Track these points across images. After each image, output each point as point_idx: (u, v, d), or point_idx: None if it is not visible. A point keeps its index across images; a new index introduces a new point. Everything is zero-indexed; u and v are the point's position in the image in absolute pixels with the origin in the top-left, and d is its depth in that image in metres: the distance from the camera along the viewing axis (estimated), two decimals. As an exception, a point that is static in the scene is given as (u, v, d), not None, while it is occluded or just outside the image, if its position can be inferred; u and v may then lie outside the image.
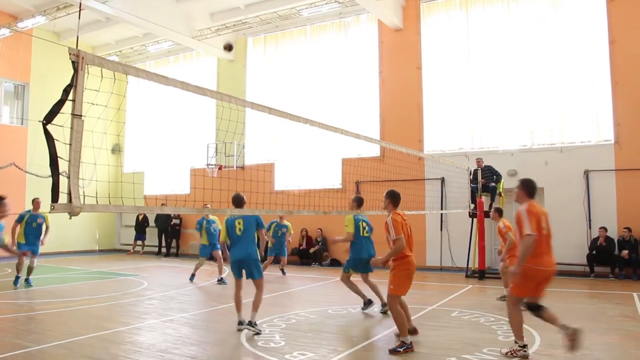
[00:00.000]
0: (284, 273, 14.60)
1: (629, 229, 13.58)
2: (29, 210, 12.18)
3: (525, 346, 6.02)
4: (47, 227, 12.24)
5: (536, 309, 5.99)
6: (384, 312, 8.75)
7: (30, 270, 12.07)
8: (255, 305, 7.51)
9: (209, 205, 11.36)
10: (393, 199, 7.00)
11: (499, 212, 10.69)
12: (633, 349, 6.51)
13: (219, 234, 12.48)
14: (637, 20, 14.30)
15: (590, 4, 15.00)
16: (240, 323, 7.53)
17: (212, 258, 13.77)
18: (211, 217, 13.32)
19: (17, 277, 11.91)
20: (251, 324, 7.33)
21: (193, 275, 13.32)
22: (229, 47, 13.74)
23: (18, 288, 11.64)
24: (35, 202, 12.19)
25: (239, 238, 7.57)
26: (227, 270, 13.21)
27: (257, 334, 7.22)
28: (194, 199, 9.52)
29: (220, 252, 13.14)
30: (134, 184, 19.97)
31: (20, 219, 11.92)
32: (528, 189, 6.58)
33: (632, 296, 10.51)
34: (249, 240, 7.59)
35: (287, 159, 19.43)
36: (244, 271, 7.62)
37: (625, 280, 13.05)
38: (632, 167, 13.98)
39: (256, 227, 7.68)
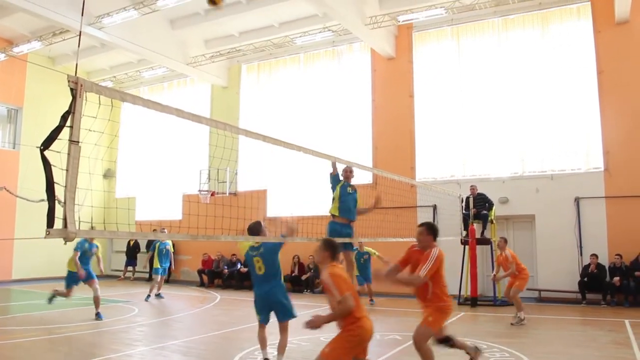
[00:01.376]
0: (372, 302, 13.93)
1: (620, 256, 13.66)
2: (86, 240, 11.20)
3: None
4: (98, 257, 11.83)
5: (447, 341, 6.24)
6: None
7: (97, 301, 11.09)
8: (281, 349, 6.77)
9: (165, 230, 12.07)
10: (332, 249, 5.17)
11: (506, 242, 11.59)
12: (625, 377, 6.51)
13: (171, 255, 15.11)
14: (623, 50, 14.60)
15: (578, 35, 15.32)
16: None
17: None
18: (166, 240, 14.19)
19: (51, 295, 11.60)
20: None
21: (148, 296, 14.82)
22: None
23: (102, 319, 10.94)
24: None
25: (257, 277, 6.76)
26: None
27: None
28: (187, 225, 9.52)
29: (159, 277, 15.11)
30: (128, 209, 19.90)
31: (80, 247, 11.09)
32: (433, 232, 6.51)
33: (623, 323, 10.52)
34: (269, 280, 6.72)
35: (279, 186, 19.45)
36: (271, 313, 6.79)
37: (616, 307, 13.07)
38: (622, 194, 14.13)
39: (274, 262, 6.77)
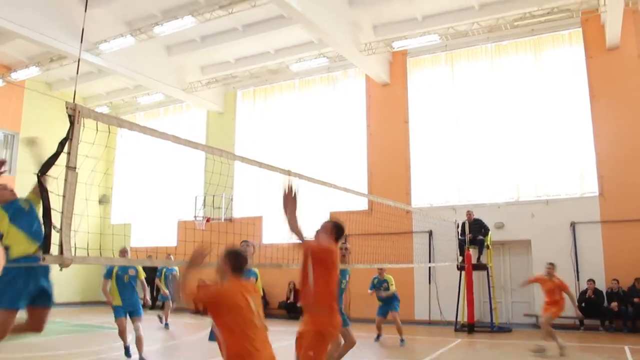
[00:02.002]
0: (402, 341, 11.65)
1: (617, 281, 13.63)
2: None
3: None
4: (142, 282, 10.14)
5: None
6: None
7: (140, 342, 9.13)
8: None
9: (172, 257, 11.47)
10: (234, 260, 4.23)
11: (554, 267, 10.83)
12: (625, 404, 6.44)
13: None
14: (614, 75, 14.80)
15: (570, 61, 15.55)
16: None
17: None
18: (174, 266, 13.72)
19: (127, 348, 9.50)
20: None
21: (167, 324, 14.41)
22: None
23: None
24: (122, 252, 9.48)
25: None
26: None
27: None
28: (183, 251, 9.45)
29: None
30: (124, 235, 19.81)
31: (109, 274, 9.56)
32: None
33: (623, 349, 10.45)
34: None
35: (275, 212, 19.34)
36: None
37: (615, 333, 13.00)
38: (617, 218, 14.15)
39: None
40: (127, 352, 9.32)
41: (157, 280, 15.49)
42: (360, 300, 12.55)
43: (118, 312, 9.17)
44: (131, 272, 9.61)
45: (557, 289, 10.48)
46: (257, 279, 7.70)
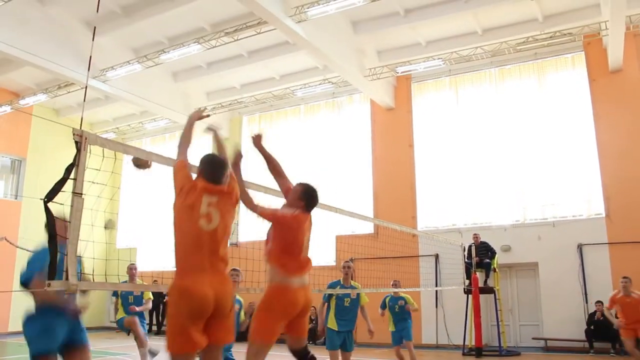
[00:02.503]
0: None
1: (626, 304, 13.47)
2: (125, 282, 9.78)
3: None
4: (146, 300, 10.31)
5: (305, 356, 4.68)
6: None
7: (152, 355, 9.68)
8: None
9: None
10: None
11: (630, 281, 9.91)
12: None
13: None
14: (618, 97, 14.84)
15: (574, 83, 15.61)
16: None
17: None
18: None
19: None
20: None
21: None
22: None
23: None
24: (131, 270, 9.91)
25: None
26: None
27: None
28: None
29: None
30: (129, 260, 19.76)
31: (115, 293, 10.06)
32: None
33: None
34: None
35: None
36: None
37: (626, 357, 12.79)
38: (624, 240, 14.05)
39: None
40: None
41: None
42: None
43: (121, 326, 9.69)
44: (136, 292, 9.92)
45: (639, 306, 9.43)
46: (240, 307, 7.65)
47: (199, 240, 3.61)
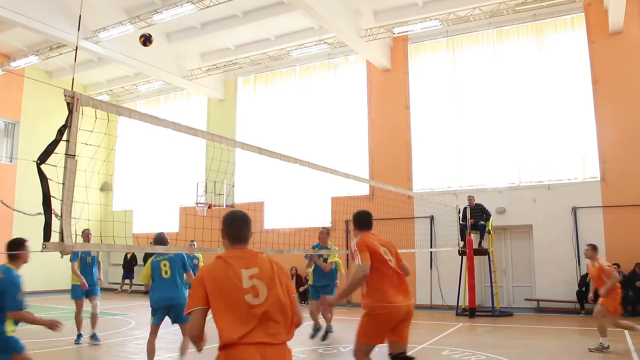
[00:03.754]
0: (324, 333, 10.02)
1: (618, 265, 13.62)
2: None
3: None
4: (99, 262, 10.67)
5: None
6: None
7: (94, 319, 10.06)
8: (183, 350, 7.35)
9: (195, 243, 11.40)
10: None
11: (595, 249, 9.20)
12: (624, 387, 6.50)
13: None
14: (617, 60, 14.71)
15: (573, 45, 15.44)
16: None
17: None
18: (195, 253, 13.55)
19: (79, 335, 9.94)
20: None
21: None
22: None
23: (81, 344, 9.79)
24: (86, 234, 9.86)
25: (163, 281, 7.18)
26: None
27: None
28: (184, 237, 9.50)
29: None
30: (125, 222, 19.88)
31: (75, 257, 9.93)
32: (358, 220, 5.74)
33: (623, 333, 10.48)
34: (176, 284, 7.21)
35: (276, 198, 19.45)
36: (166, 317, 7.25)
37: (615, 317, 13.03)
38: (618, 203, 14.15)
39: (183, 269, 7.37)
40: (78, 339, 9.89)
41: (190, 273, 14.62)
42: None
43: (77, 293, 10.09)
44: (93, 253, 10.31)
45: (604, 274, 8.95)
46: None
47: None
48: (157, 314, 7.18)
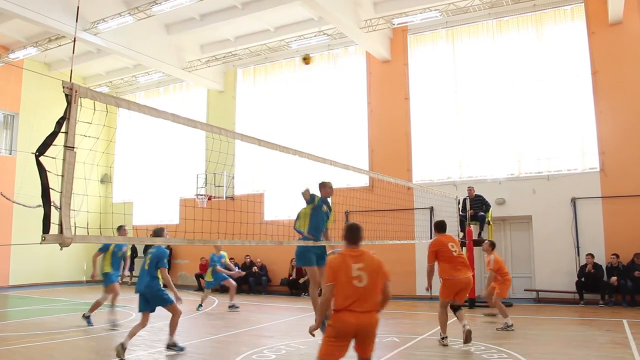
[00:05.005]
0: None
1: (617, 255, 13.69)
2: None
3: (445, 337, 8.61)
4: (126, 258, 11.50)
5: (457, 309, 8.77)
6: None
7: (97, 305, 11.19)
8: (171, 328, 8.35)
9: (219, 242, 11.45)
10: (347, 234, 5.05)
11: (492, 245, 11.25)
12: (623, 377, 6.54)
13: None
14: (616, 51, 14.67)
15: (573, 36, 15.40)
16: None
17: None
18: (222, 252, 13.94)
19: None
20: (169, 346, 8.29)
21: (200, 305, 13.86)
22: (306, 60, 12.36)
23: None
24: (123, 231, 11.01)
25: (142, 272, 8.38)
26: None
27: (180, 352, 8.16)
28: (184, 229, 9.52)
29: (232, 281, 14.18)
30: (124, 214, 19.90)
31: (104, 248, 11.00)
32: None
33: (621, 323, 10.54)
34: (151, 275, 8.28)
35: (276, 189, 19.46)
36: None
37: (614, 307, 13.10)
38: (618, 194, 14.17)
39: (158, 265, 8.29)
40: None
41: (225, 261, 14.47)
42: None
43: (112, 279, 11.04)
44: (124, 249, 11.22)
45: (488, 267, 11.30)
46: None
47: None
48: (139, 301, 8.34)
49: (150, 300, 8.30)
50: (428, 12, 15.61)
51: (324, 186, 8.85)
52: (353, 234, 4.95)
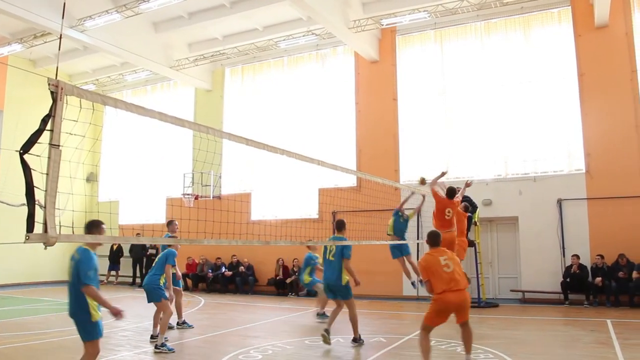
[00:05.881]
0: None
1: (602, 256, 13.82)
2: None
3: None
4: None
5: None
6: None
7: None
8: (161, 328, 8.54)
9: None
10: (428, 239, 7.11)
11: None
12: (607, 377, 6.60)
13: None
14: (603, 54, 14.81)
15: (559, 39, 15.52)
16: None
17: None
18: (314, 252, 12.16)
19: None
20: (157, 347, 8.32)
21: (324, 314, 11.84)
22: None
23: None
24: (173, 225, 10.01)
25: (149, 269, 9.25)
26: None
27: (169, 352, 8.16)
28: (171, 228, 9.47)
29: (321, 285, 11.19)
30: (110, 213, 19.73)
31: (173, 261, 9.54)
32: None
33: (605, 323, 10.63)
34: (153, 273, 9.00)
35: (264, 189, 19.42)
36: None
37: (599, 308, 13.21)
38: (603, 195, 14.30)
39: (163, 263, 8.98)
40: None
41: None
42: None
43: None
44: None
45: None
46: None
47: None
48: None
49: (147, 294, 8.90)
50: (417, 13, 15.64)
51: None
52: (435, 239, 7.01)
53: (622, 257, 13.55)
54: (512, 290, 15.16)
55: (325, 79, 18.99)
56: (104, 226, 5.56)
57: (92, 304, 5.39)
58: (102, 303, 5.41)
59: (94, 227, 5.44)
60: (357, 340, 8.75)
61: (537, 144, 15.48)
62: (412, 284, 12.11)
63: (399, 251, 12.07)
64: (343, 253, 8.64)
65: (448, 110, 16.83)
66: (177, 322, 10.62)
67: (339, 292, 8.75)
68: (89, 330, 5.40)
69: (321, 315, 11.71)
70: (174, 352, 8.16)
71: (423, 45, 17.50)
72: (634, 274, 13.17)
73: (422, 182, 12.57)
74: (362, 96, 18.14)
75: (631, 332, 9.71)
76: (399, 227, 12.37)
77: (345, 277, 8.69)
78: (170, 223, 10.01)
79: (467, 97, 16.62)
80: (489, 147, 16.07)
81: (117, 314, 5.56)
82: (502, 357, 7.59)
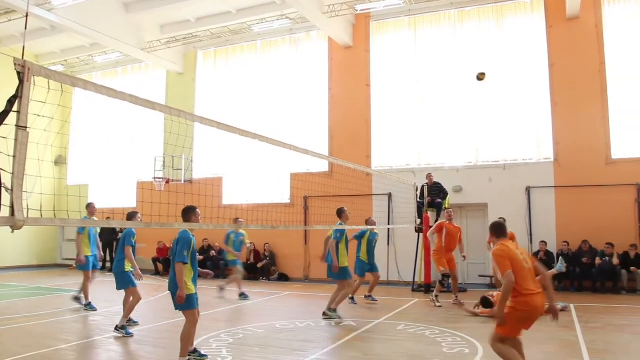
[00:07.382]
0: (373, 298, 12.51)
1: (567, 243, 14.15)
2: (85, 218, 10.89)
3: None
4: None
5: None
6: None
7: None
8: (127, 310, 8.59)
9: (242, 220, 12.18)
10: (494, 230, 5.81)
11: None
12: (569, 358, 6.82)
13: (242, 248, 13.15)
14: (573, 45, 15.06)
15: (531, 29, 15.72)
16: None
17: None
18: (241, 230, 12.76)
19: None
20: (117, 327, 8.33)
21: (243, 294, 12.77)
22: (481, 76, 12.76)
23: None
24: (91, 208, 11.14)
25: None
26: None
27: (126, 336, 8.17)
28: (141, 212, 9.38)
29: (240, 267, 13.13)
30: (80, 197, 19.44)
31: (82, 230, 10.92)
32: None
33: (573, 324, 10.88)
34: (120, 255, 8.83)
35: (235, 174, 19.33)
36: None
37: (563, 292, 13.53)
38: (570, 184, 14.63)
39: (122, 244, 8.81)
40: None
41: (224, 245, 13.38)
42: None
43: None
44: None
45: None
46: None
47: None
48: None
49: (116, 280, 8.79)
50: (391, 0, 15.65)
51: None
52: (502, 229, 5.76)
53: (586, 243, 13.91)
54: (480, 276, 15.42)
55: (299, 63, 18.91)
56: (198, 211, 6.43)
57: (187, 278, 6.22)
58: (179, 280, 6.15)
59: (190, 212, 6.39)
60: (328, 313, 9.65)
61: (508, 133, 15.72)
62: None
63: (371, 267, 12.56)
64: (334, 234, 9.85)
65: (420, 97, 16.93)
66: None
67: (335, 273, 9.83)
68: (188, 301, 6.24)
69: (243, 295, 12.66)
70: (132, 336, 8.14)
71: (397, 32, 17.54)
72: (597, 260, 13.54)
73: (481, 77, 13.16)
74: (335, 81, 18.13)
75: (592, 316, 10.03)
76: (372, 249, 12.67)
77: (345, 262, 9.80)
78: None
79: (439, 84, 16.74)
80: (460, 134, 16.25)
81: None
82: (469, 341, 7.75)
